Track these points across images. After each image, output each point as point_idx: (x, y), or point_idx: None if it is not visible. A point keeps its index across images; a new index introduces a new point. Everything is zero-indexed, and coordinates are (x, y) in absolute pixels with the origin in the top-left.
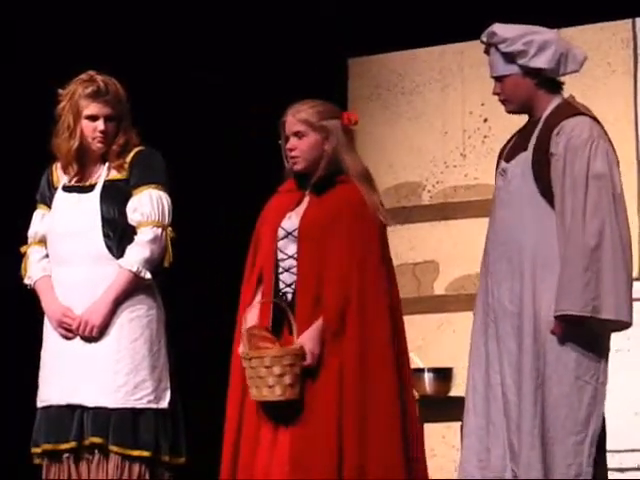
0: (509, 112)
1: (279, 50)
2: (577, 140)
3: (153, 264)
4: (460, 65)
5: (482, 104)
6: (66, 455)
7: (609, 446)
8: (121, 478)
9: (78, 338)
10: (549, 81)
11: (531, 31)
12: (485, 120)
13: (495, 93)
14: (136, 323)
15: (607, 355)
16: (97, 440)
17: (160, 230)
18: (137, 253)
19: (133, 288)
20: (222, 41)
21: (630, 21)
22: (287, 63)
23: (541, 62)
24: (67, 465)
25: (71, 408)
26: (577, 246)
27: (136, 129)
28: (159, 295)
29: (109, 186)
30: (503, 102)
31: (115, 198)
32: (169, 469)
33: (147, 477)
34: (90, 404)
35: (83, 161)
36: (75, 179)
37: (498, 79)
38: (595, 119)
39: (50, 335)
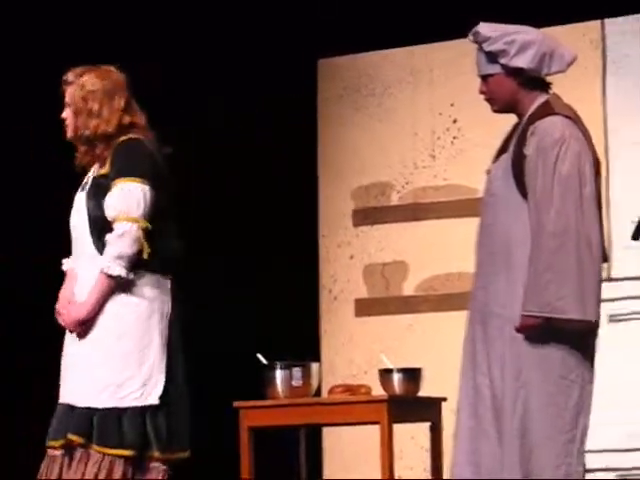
0: (494, 112)
1: (248, 50)
2: (547, 141)
3: (127, 260)
4: (429, 66)
5: (451, 105)
6: (60, 452)
7: None
8: (108, 477)
9: (75, 337)
10: (533, 81)
11: (514, 31)
12: (455, 121)
13: (481, 92)
14: (122, 320)
15: (593, 353)
16: (75, 438)
17: (130, 224)
18: (107, 251)
19: (110, 286)
20: (193, 40)
21: (599, 22)
22: (257, 63)
23: (521, 62)
24: (60, 462)
25: (71, 407)
26: (540, 247)
27: (116, 120)
28: (156, 288)
29: (95, 183)
30: (488, 101)
31: (98, 195)
32: (169, 464)
33: (129, 476)
34: (80, 404)
35: (85, 156)
36: (85, 175)
37: (483, 78)
38: (571, 118)
39: (66, 331)
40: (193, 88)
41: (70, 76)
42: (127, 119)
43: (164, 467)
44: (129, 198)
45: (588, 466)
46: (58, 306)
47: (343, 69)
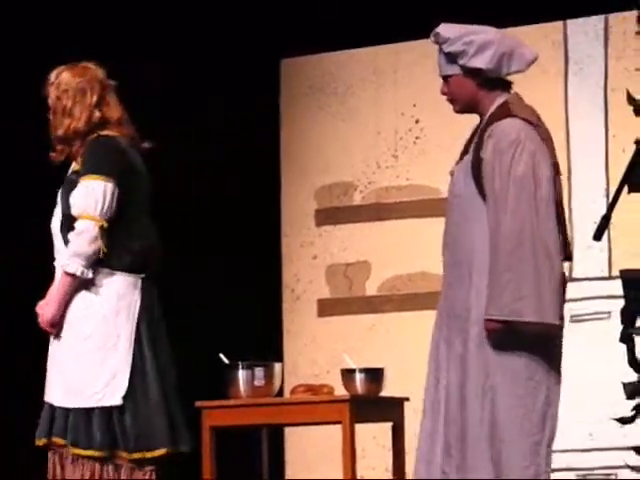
0: (456, 112)
1: (212, 50)
2: (503, 143)
3: (84, 258)
4: (393, 66)
5: (414, 105)
6: (51, 451)
7: None
8: (96, 477)
9: (52, 337)
10: (492, 81)
11: (473, 31)
12: (417, 121)
13: (442, 93)
14: (88, 320)
15: (559, 354)
16: (57, 440)
17: (88, 222)
18: (68, 249)
19: (70, 284)
20: (157, 41)
21: (561, 23)
22: (220, 63)
23: (479, 62)
24: (52, 461)
25: (52, 406)
26: (498, 249)
27: (86, 117)
28: (125, 287)
29: (68, 180)
30: (450, 102)
31: (68, 192)
32: (155, 464)
33: (111, 476)
34: (56, 404)
35: (61, 154)
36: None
37: (444, 79)
38: (529, 120)
39: None
40: (160, 89)
41: (51, 77)
42: (98, 115)
43: (151, 467)
44: (90, 196)
45: None
46: (37, 307)
47: (307, 68)
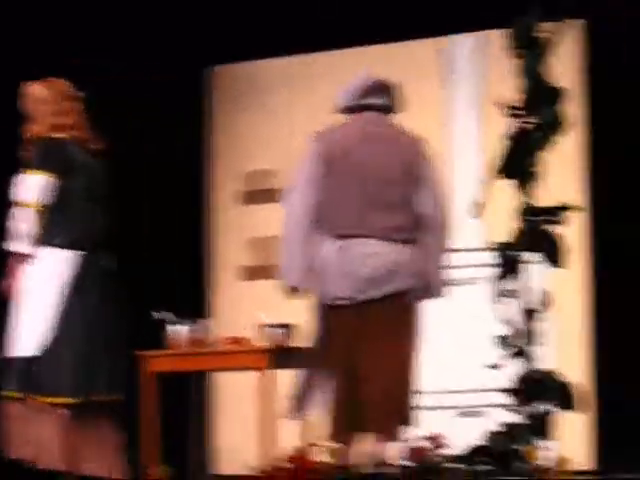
0: None
1: (145, 62)
2: None
3: (24, 238)
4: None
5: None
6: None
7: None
8: (14, 415)
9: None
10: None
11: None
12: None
13: None
14: (27, 287)
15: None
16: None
17: (26, 208)
18: (11, 231)
19: (15, 260)
20: (90, 53)
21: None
22: (150, 74)
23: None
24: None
25: None
26: None
27: (46, 123)
28: (58, 261)
29: (19, 174)
30: None
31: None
32: (62, 407)
33: (21, 413)
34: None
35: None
36: None
37: None
38: (318, 134)
39: None
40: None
41: (23, 89)
42: (54, 122)
43: (62, 410)
44: (29, 186)
45: None
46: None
47: (232, 76)
